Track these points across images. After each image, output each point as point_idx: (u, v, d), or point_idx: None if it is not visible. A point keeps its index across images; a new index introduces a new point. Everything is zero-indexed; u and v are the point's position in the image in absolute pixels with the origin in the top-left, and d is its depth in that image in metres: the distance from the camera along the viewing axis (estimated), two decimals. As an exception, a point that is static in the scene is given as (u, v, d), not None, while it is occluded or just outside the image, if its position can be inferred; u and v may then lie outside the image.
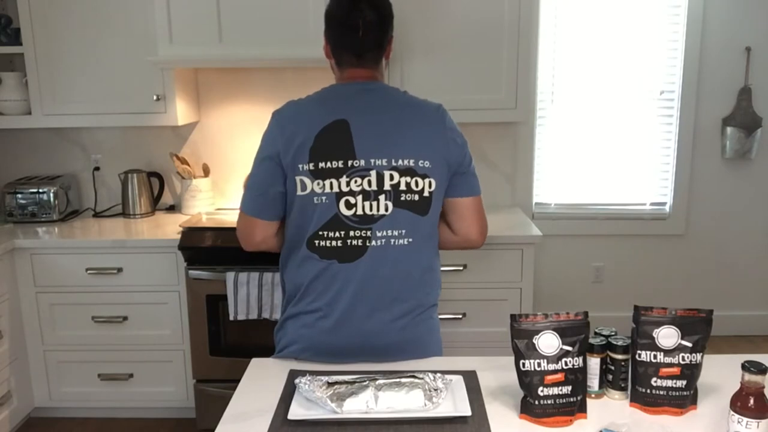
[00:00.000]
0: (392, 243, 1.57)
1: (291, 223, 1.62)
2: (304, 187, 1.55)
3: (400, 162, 1.56)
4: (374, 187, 1.55)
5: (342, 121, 1.57)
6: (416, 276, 1.62)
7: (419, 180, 1.57)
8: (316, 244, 1.58)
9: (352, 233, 1.56)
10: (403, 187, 1.56)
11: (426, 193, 1.58)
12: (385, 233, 1.56)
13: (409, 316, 1.62)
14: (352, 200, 1.55)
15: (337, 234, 1.56)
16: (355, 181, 1.54)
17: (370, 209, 1.55)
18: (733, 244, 3.71)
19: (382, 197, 1.55)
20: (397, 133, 1.58)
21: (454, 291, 2.76)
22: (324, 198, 1.55)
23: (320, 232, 1.57)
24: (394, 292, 1.60)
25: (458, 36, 2.94)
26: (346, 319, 1.60)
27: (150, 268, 2.84)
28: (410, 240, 1.58)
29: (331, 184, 1.54)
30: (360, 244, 1.56)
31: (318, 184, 1.55)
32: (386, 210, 1.56)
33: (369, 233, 1.56)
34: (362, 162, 1.55)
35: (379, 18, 1.62)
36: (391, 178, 1.55)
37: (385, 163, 1.55)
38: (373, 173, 1.55)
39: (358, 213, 1.55)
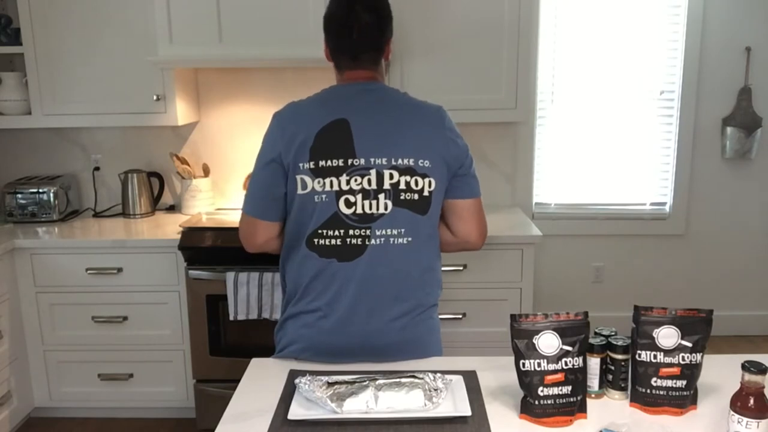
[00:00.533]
0: (391, 242, 1.57)
1: (291, 222, 1.62)
2: (305, 185, 1.56)
3: (399, 161, 1.56)
4: (374, 186, 1.55)
5: (342, 121, 1.57)
6: (416, 276, 1.62)
7: (419, 179, 1.57)
8: (316, 243, 1.58)
9: (351, 232, 1.56)
10: (402, 186, 1.56)
11: (426, 193, 1.58)
12: (384, 232, 1.57)
13: (408, 315, 1.63)
14: (351, 199, 1.55)
15: (337, 233, 1.57)
16: (355, 180, 1.55)
17: (370, 208, 1.56)
18: (733, 244, 3.71)
19: (381, 196, 1.56)
20: (397, 133, 1.58)
21: (454, 291, 2.76)
22: (324, 196, 1.55)
23: (320, 231, 1.57)
24: (394, 291, 1.60)
25: (458, 36, 2.94)
26: (346, 318, 1.60)
27: (150, 268, 2.84)
28: (409, 239, 1.59)
29: (331, 182, 1.55)
30: (359, 243, 1.57)
31: (318, 182, 1.55)
32: (386, 209, 1.56)
33: (368, 232, 1.56)
34: (362, 161, 1.55)
35: (374, 20, 1.63)
36: (391, 177, 1.56)
37: (385, 162, 1.56)
38: (373, 172, 1.55)
39: (357, 212, 1.56)
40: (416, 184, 1.57)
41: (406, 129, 1.60)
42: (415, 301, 1.63)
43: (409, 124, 1.60)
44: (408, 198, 1.57)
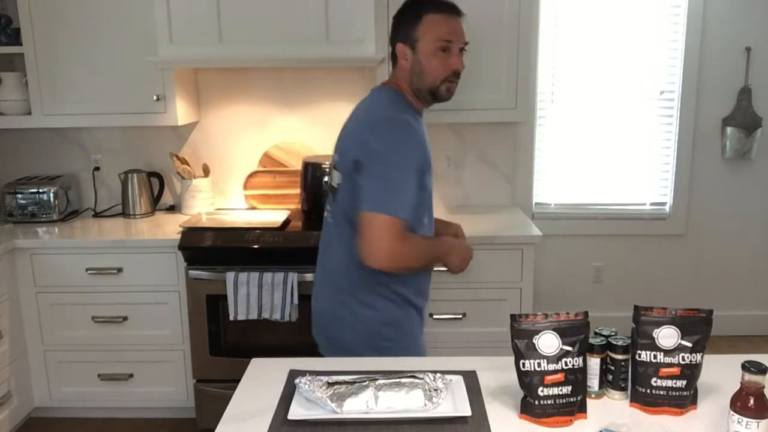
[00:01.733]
0: (328, 221, 1.82)
1: None
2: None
3: (336, 155, 1.80)
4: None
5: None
6: (338, 256, 1.77)
7: (335, 171, 1.80)
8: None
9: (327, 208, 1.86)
10: (334, 175, 1.81)
11: (334, 184, 1.78)
12: (327, 209, 1.84)
13: (328, 290, 1.81)
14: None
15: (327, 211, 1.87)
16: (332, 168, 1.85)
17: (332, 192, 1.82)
18: (733, 244, 3.71)
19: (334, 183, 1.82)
20: (342, 133, 1.81)
21: (454, 291, 2.75)
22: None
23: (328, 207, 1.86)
24: (324, 264, 1.84)
25: (458, 36, 2.94)
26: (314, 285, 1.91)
27: (150, 268, 2.84)
28: (332, 220, 1.80)
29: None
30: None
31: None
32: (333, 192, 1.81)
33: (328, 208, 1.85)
34: (336, 154, 1.81)
35: (393, 23, 1.79)
36: (334, 167, 1.82)
37: (337, 156, 1.80)
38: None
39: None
40: (334, 175, 1.79)
41: (344, 129, 1.80)
42: (333, 279, 1.79)
43: (348, 125, 1.79)
44: (333, 185, 1.81)
